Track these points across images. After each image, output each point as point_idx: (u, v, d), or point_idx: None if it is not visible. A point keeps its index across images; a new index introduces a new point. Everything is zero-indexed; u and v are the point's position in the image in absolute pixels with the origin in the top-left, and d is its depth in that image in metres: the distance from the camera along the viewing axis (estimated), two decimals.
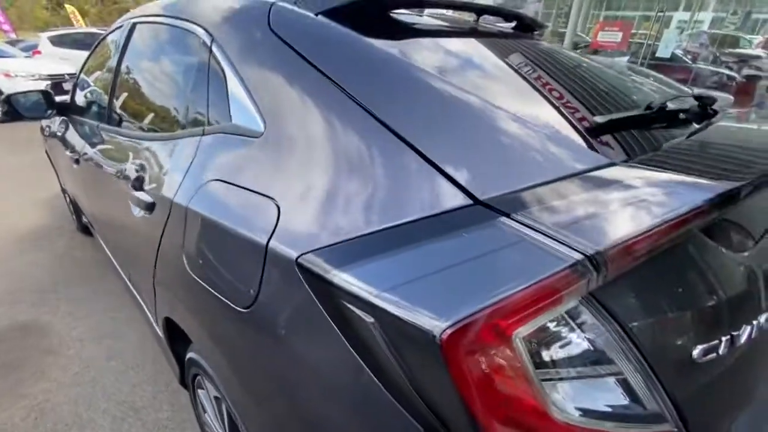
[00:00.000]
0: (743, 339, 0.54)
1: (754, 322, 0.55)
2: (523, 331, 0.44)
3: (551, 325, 0.46)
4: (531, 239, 0.46)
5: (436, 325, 0.43)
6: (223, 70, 0.88)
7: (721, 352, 0.52)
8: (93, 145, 1.59)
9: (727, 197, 0.47)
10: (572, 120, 0.64)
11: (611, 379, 0.48)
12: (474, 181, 0.53)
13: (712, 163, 0.59)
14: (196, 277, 0.77)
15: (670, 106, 0.78)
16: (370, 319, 0.48)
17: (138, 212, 1.02)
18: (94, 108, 1.75)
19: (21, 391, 1.62)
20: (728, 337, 0.52)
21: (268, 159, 0.70)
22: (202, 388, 1.07)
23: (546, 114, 0.65)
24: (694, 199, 0.47)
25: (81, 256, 2.59)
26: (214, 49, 0.93)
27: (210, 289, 0.73)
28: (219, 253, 0.72)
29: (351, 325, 0.51)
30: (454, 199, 0.52)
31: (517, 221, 0.48)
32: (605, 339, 0.47)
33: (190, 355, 1.03)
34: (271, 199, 0.65)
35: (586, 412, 0.46)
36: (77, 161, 1.72)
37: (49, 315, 2.05)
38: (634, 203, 0.47)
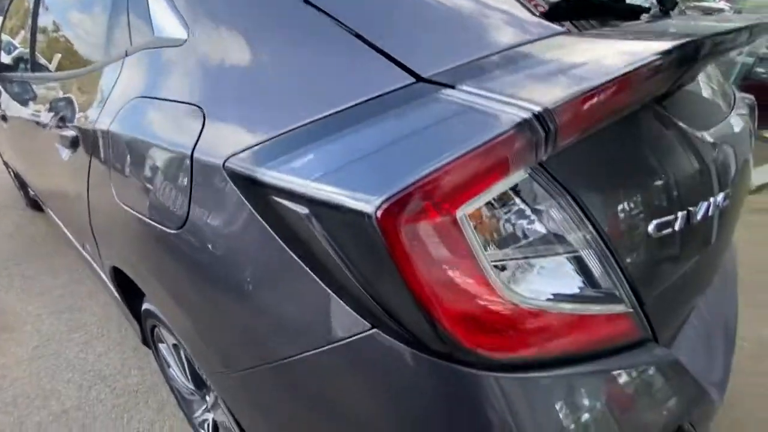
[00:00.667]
0: (699, 216, 0.52)
1: (711, 200, 0.54)
2: (469, 207, 0.40)
3: (500, 202, 0.43)
4: (474, 105, 0.41)
5: (369, 203, 0.38)
6: None
7: (677, 227, 0.50)
8: (21, 101, 1.44)
9: (683, 54, 0.43)
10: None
11: (564, 257, 0.45)
12: (416, 58, 0.48)
13: (667, 33, 0.55)
14: (126, 207, 0.70)
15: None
16: (304, 211, 0.43)
17: (65, 154, 0.92)
18: (17, 62, 1.57)
19: None
20: (684, 212, 0.50)
21: (192, 65, 0.62)
22: (162, 342, 1.02)
23: None
24: (648, 55, 0.42)
25: (32, 233, 2.43)
26: None
27: (141, 216, 0.66)
28: (145, 174, 0.64)
29: (286, 222, 0.46)
30: (394, 78, 0.47)
31: (461, 91, 0.43)
32: (558, 215, 0.44)
33: (144, 306, 0.96)
34: (196, 106, 0.57)
35: (538, 294, 0.43)
36: (5, 119, 1.56)
37: (3, 293, 1.93)
38: (586, 64, 0.43)
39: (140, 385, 1.45)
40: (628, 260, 0.47)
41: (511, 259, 0.43)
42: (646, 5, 0.80)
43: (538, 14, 0.55)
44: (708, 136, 0.58)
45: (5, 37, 1.80)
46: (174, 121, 0.60)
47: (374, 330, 0.45)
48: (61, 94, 1.03)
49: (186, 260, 0.61)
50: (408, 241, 0.39)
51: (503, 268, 0.43)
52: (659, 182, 0.50)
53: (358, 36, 0.50)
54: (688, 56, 0.44)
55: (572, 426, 0.45)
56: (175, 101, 0.61)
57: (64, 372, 1.51)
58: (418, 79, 0.46)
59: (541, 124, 0.38)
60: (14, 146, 1.76)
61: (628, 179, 0.48)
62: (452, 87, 0.44)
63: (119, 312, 1.58)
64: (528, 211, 0.44)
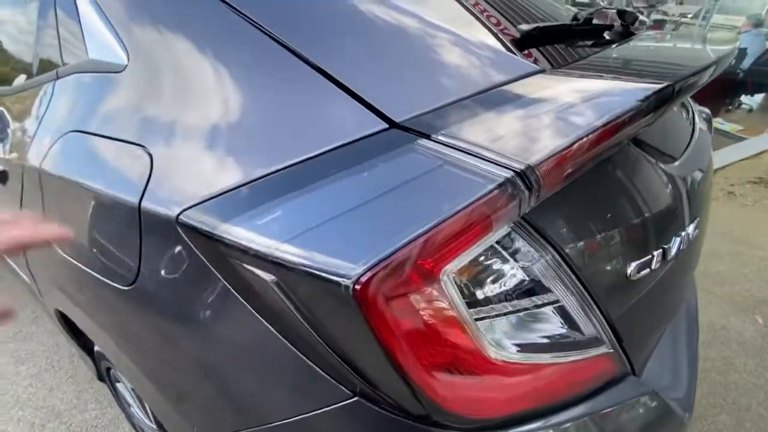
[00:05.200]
0: (674, 251, 0.52)
1: (683, 233, 0.54)
2: (452, 267, 0.38)
3: (482, 258, 0.40)
4: (454, 161, 0.38)
5: (346, 274, 0.34)
6: None
7: (653, 266, 0.50)
8: None
9: (660, 97, 0.42)
10: (494, 30, 0.55)
11: (548, 309, 0.44)
12: (388, 101, 0.44)
13: (638, 71, 0.55)
14: (67, 257, 0.62)
15: (596, 20, 0.73)
16: (270, 278, 0.39)
17: None
18: None
19: None
20: (660, 251, 0.50)
21: (134, 97, 0.55)
22: (119, 381, 0.94)
23: (464, 25, 0.56)
24: (626, 101, 0.41)
25: None
26: None
27: (84, 268, 0.59)
28: (86, 223, 0.57)
29: (251, 288, 0.42)
30: (365, 123, 0.43)
31: (437, 142, 0.40)
32: (541, 266, 0.43)
33: (97, 348, 0.88)
34: (140, 146, 0.51)
35: (523, 347, 0.42)
36: None
37: None
38: (564, 112, 0.41)
39: (99, 420, 1.35)
40: (609, 303, 0.47)
41: (495, 315, 0.41)
42: (609, 22, 0.80)
43: (513, 48, 0.52)
44: (676, 167, 0.59)
45: None
46: (116, 163, 0.53)
47: (355, 398, 0.42)
48: None
49: (140, 321, 0.55)
50: (389, 312, 0.36)
51: (486, 325, 0.41)
52: (634, 222, 0.50)
53: (326, 74, 0.46)
54: (669, 96, 0.43)
55: None
56: (116, 139, 0.54)
57: (13, 410, 1.38)
58: (392, 125, 0.43)
59: (524, 182, 0.36)
60: None
61: (604, 221, 0.48)
62: (428, 136, 0.41)
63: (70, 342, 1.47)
64: (509, 264, 0.42)
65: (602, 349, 0.47)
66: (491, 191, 0.35)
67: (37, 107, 0.72)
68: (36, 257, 0.78)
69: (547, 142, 0.38)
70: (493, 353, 0.41)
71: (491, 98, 0.45)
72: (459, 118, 0.42)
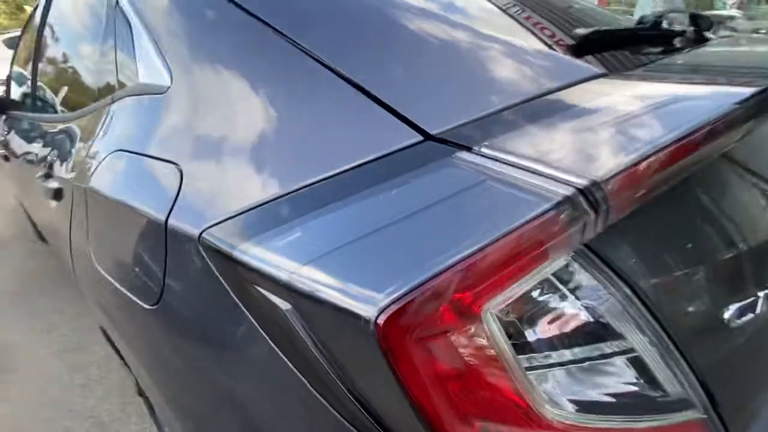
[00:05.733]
0: None
1: None
2: (496, 304, 0.31)
3: (535, 293, 0.34)
4: (499, 176, 0.33)
5: (367, 305, 0.29)
6: (129, 23, 0.72)
7: (759, 310, 0.39)
8: (21, 138, 1.42)
9: (762, 100, 0.34)
10: (542, 33, 0.50)
11: (620, 359, 0.35)
12: (422, 111, 0.39)
13: (727, 74, 0.46)
14: (103, 272, 0.63)
15: (665, 23, 0.65)
16: (286, 306, 0.35)
17: (52, 203, 0.87)
18: (23, 98, 1.56)
19: None
20: (766, 291, 0.40)
21: (172, 115, 0.56)
22: None
23: (507, 28, 0.51)
24: (718, 106, 0.33)
25: (41, 266, 2.41)
26: (121, 0, 0.77)
27: (117, 285, 0.59)
28: (121, 239, 0.57)
29: (268, 315, 0.38)
30: (396, 136, 0.39)
31: (479, 155, 0.35)
32: (610, 306, 0.35)
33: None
34: (173, 163, 0.50)
35: (585, 406, 0.34)
36: (6, 158, 1.54)
37: (13, 328, 1.90)
38: (635, 119, 0.34)
39: None
40: (700, 355, 0.37)
41: (551, 365, 0.34)
42: (680, 29, 0.71)
43: (566, 52, 0.46)
44: None
45: (16, 69, 1.80)
46: (150, 179, 0.54)
47: None
48: (51, 138, 0.99)
49: (163, 344, 0.53)
50: (417, 353, 0.30)
51: (540, 377, 0.34)
52: (733, 254, 0.40)
53: (357, 85, 0.43)
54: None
55: None
56: (152, 157, 0.54)
57: (64, 419, 1.44)
58: (427, 137, 0.38)
59: (588, 201, 0.29)
60: (17, 182, 1.76)
61: (692, 253, 0.39)
62: (468, 149, 0.35)
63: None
64: (570, 303, 0.34)
65: (690, 414, 0.37)
66: (547, 212, 0.29)
67: (94, 129, 0.76)
68: (83, 277, 0.81)
69: (616, 155, 0.31)
70: (546, 411, 0.33)
71: (543, 106, 0.39)
72: (505, 128, 0.37)
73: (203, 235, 0.42)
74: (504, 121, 0.38)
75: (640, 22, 0.61)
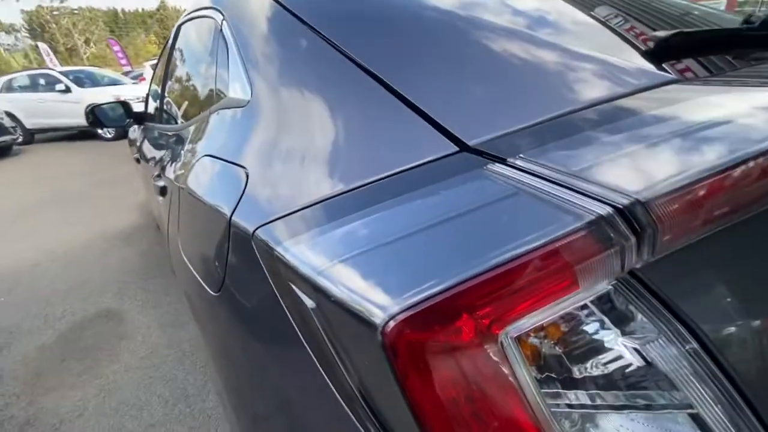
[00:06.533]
0: None
1: None
2: (518, 327, 0.29)
3: (566, 322, 0.30)
4: (531, 189, 0.30)
5: (379, 310, 0.29)
6: (227, 46, 0.84)
7: None
8: (149, 144, 1.70)
9: None
10: (610, 40, 0.45)
11: (676, 415, 0.30)
12: (461, 122, 0.39)
13: None
14: (186, 260, 0.72)
15: None
16: (311, 304, 0.37)
17: (160, 199, 1.03)
18: (154, 111, 1.88)
19: (97, 371, 1.79)
20: None
21: (247, 125, 0.63)
22: None
23: (573, 31, 0.47)
24: None
25: (159, 252, 2.84)
26: (224, 26, 0.89)
27: (194, 272, 0.67)
28: (199, 231, 0.66)
29: (299, 312, 0.40)
30: (432, 146, 0.39)
31: (513, 167, 0.33)
32: (661, 350, 0.30)
33: None
34: (241, 167, 0.57)
35: None
36: (138, 161, 1.86)
37: (127, 304, 2.26)
38: (703, 131, 0.29)
39: (214, 411, 1.52)
40: None
41: (583, 407, 0.30)
42: None
43: (639, 56, 0.41)
44: None
45: (153, 87, 2.18)
46: (224, 181, 0.61)
47: None
48: (166, 145, 1.18)
49: (220, 329, 0.59)
50: (425, 369, 0.29)
51: (568, 418, 0.30)
52: None
53: (399, 95, 0.44)
54: None
55: None
56: (227, 161, 0.62)
57: (158, 386, 1.67)
58: (463, 147, 0.37)
59: (628, 223, 0.26)
60: (144, 181, 2.10)
61: None
62: (503, 161, 0.34)
63: None
64: (614, 339, 0.30)
65: None
66: (575, 231, 0.26)
67: (194, 137, 0.89)
68: (173, 262, 0.94)
69: (671, 173, 0.27)
70: None
71: (594, 116, 0.35)
72: (548, 139, 0.34)
73: (256, 232, 0.47)
74: (548, 132, 0.35)
75: (746, 21, 0.52)
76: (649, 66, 0.40)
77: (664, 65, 0.41)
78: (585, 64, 0.42)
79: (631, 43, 0.44)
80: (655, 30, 0.44)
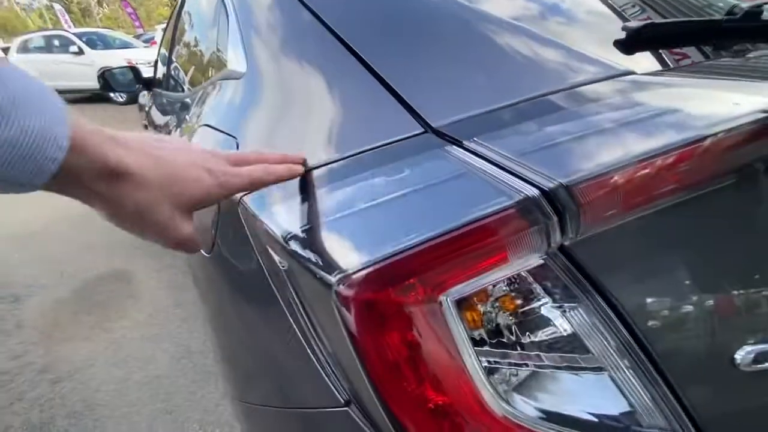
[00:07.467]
0: None
1: None
2: (459, 291, 0.33)
3: (501, 287, 0.34)
4: (478, 171, 0.34)
5: (332, 274, 0.33)
6: (228, 16, 0.85)
7: None
8: (156, 110, 1.74)
9: None
10: (581, 30, 0.46)
11: (590, 376, 0.34)
12: (428, 105, 0.41)
13: None
14: None
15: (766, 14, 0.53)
16: (284, 266, 0.41)
17: None
18: (162, 77, 1.90)
19: (106, 326, 1.90)
20: None
21: (240, 97, 0.66)
22: None
23: (547, 20, 0.48)
24: (749, 112, 0.29)
25: None
26: None
27: None
28: None
29: (276, 273, 0.44)
30: (401, 127, 0.41)
31: (467, 150, 0.36)
32: (584, 318, 0.33)
33: None
34: (232, 136, 0.60)
35: (541, 412, 0.33)
36: (146, 127, 1.90)
37: (135, 265, 2.36)
38: (644, 122, 0.32)
39: (213, 367, 1.62)
40: (699, 399, 0.33)
41: (513, 364, 0.34)
42: None
43: (604, 48, 0.43)
44: None
45: (162, 52, 2.19)
46: (217, 148, 0.64)
47: (345, 408, 0.40)
48: (171, 111, 1.21)
49: (212, 287, 0.64)
50: (373, 326, 0.33)
51: (498, 372, 0.34)
52: (758, 286, 0.34)
53: (378, 76, 0.46)
54: None
55: None
56: (220, 131, 0.65)
57: (164, 341, 1.77)
58: (427, 129, 0.40)
59: (552, 205, 0.29)
60: None
61: (703, 279, 0.34)
62: (459, 143, 0.37)
63: None
64: (543, 306, 0.34)
65: None
66: (506, 209, 0.30)
67: (194, 106, 0.92)
68: None
69: (600, 159, 0.30)
70: (496, 407, 0.33)
71: (552, 103, 0.38)
72: (503, 124, 0.37)
73: (242, 198, 0.51)
74: (505, 117, 0.38)
75: (729, 12, 0.52)
76: (614, 56, 0.42)
77: (631, 56, 0.43)
78: (554, 51, 0.43)
79: (603, 32, 0.46)
80: (629, 20, 0.45)
